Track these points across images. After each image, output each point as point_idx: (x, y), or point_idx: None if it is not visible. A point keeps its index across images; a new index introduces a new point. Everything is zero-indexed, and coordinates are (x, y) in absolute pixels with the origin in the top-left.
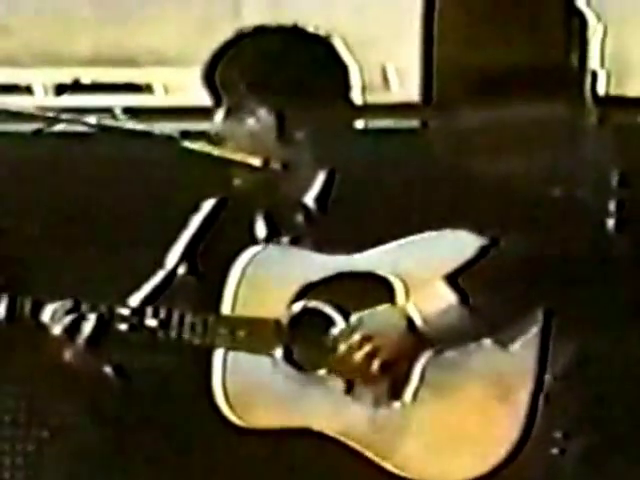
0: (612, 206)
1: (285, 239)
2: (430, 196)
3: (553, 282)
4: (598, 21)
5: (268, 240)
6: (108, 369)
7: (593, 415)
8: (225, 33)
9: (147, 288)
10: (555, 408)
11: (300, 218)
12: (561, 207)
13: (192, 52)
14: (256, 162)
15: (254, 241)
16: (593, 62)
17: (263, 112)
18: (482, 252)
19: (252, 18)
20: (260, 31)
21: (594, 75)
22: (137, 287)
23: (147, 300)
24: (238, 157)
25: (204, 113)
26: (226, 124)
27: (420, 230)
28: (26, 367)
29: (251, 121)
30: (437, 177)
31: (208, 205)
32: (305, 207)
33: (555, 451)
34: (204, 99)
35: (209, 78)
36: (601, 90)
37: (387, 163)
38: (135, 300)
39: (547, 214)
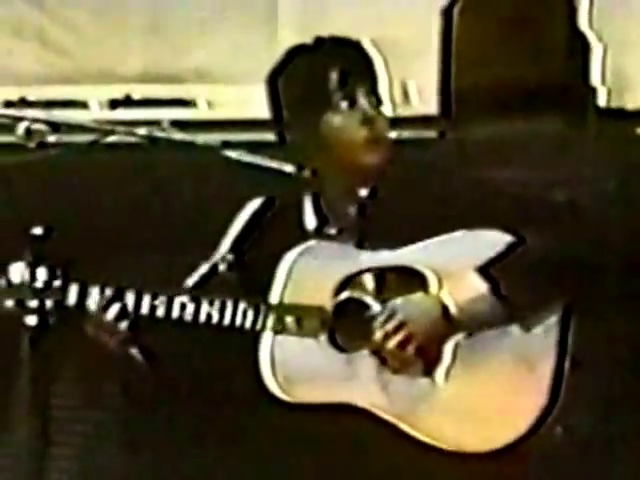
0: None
1: (333, 230)
2: (458, 200)
3: (570, 276)
4: (599, 41)
5: (318, 231)
6: (149, 356)
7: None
8: (261, 54)
9: (199, 277)
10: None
11: (352, 210)
12: (567, 211)
13: (232, 70)
14: (289, 169)
15: (304, 234)
16: (594, 79)
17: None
18: (510, 248)
19: (287, 40)
20: (316, 44)
21: (595, 90)
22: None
23: (200, 287)
24: (274, 164)
25: (244, 125)
26: (336, 119)
27: (452, 229)
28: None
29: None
30: (463, 183)
31: (255, 204)
32: (357, 200)
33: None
34: (243, 113)
35: (272, 90)
36: (602, 104)
37: (416, 170)
38: (189, 288)
39: (559, 216)
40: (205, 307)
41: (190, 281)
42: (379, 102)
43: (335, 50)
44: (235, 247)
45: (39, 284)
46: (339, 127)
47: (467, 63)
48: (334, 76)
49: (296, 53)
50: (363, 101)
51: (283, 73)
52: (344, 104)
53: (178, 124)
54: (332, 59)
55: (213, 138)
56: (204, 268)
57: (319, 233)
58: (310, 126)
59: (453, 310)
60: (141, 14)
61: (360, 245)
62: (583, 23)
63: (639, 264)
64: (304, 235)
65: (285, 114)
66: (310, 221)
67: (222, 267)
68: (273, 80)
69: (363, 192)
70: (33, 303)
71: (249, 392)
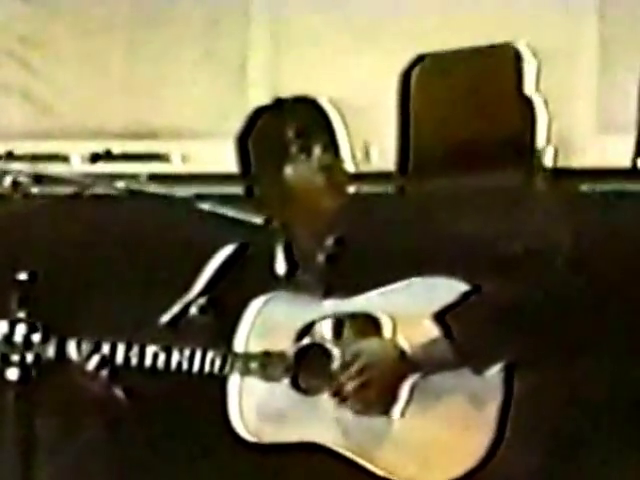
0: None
1: (303, 276)
2: (418, 249)
3: (518, 323)
4: (545, 106)
5: (288, 277)
6: (128, 393)
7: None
8: (231, 112)
9: (172, 317)
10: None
11: (320, 257)
12: (521, 260)
13: (204, 127)
14: (258, 221)
15: (275, 279)
16: (541, 139)
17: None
18: (465, 296)
19: (256, 98)
20: (279, 103)
21: (542, 150)
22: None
23: (173, 326)
24: (244, 216)
25: (216, 179)
26: (295, 169)
27: (409, 276)
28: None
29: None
30: (420, 234)
31: (229, 249)
32: (324, 249)
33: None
34: (216, 167)
35: (241, 148)
36: (549, 162)
37: (379, 223)
38: (162, 334)
39: (510, 266)
40: (176, 356)
41: (165, 318)
42: (337, 153)
43: (297, 108)
44: (207, 290)
45: (19, 339)
46: (299, 176)
47: (424, 123)
48: (292, 130)
49: (261, 112)
50: (319, 151)
51: (251, 131)
52: (302, 156)
53: (155, 177)
54: (294, 116)
55: (187, 191)
56: (177, 308)
57: (289, 279)
58: (275, 179)
59: (409, 353)
60: (120, 75)
61: (327, 291)
62: (530, 88)
63: (584, 311)
64: (275, 280)
65: (253, 169)
66: (281, 267)
67: (194, 310)
68: (242, 139)
69: (330, 241)
70: (15, 357)
71: (217, 433)
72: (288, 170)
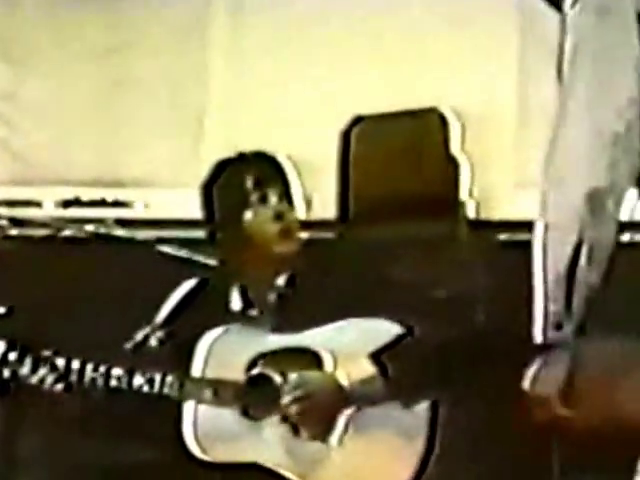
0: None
1: (255, 313)
2: (355, 291)
3: (444, 364)
4: (469, 163)
5: (243, 313)
6: (68, 389)
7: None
8: (188, 164)
9: (134, 345)
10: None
11: (272, 297)
12: (444, 304)
13: (164, 178)
14: (212, 262)
15: (229, 314)
16: (464, 193)
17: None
18: (400, 337)
19: (211, 152)
20: (240, 156)
21: (465, 203)
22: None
23: (136, 352)
24: (197, 258)
25: (176, 224)
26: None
27: (351, 316)
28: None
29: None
30: (357, 278)
31: (189, 284)
32: (275, 289)
33: None
34: (174, 213)
35: (205, 197)
36: (471, 214)
37: (323, 266)
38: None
39: (435, 310)
40: (138, 378)
41: (128, 345)
42: (290, 202)
43: (256, 161)
44: (168, 321)
45: None
46: (256, 223)
47: (362, 177)
48: (250, 181)
49: (225, 164)
50: (275, 200)
51: (215, 181)
52: (259, 204)
53: (120, 222)
54: (253, 168)
55: (149, 234)
56: (139, 336)
57: (243, 314)
58: (235, 224)
59: (346, 387)
60: (90, 130)
61: (276, 327)
62: (455, 148)
63: (505, 352)
64: (230, 315)
65: (216, 215)
66: (236, 304)
67: (153, 340)
68: (206, 188)
69: (281, 281)
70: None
71: (172, 451)
72: (247, 216)
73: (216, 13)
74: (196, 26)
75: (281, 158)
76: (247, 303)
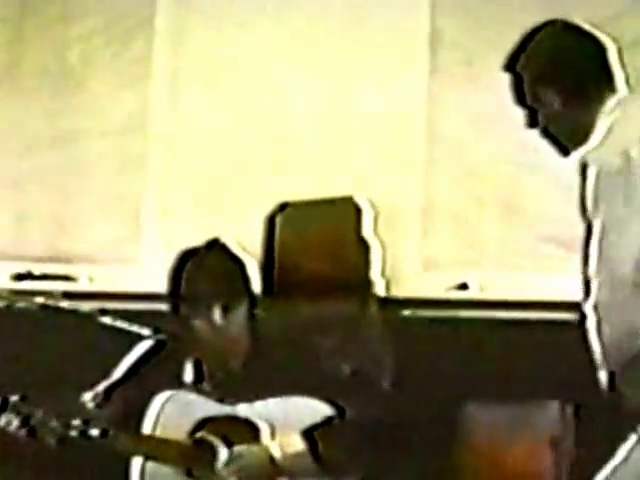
0: (387, 380)
1: (206, 386)
2: (287, 368)
3: (365, 441)
4: (381, 247)
5: (195, 384)
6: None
7: None
8: (128, 242)
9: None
10: None
11: (221, 375)
12: (352, 380)
13: (107, 255)
14: (146, 332)
15: (181, 383)
16: (376, 273)
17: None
18: (330, 418)
19: (148, 231)
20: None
21: (376, 282)
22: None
23: (92, 414)
24: (134, 328)
25: (118, 297)
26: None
27: (285, 393)
28: None
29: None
30: (283, 355)
31: (144, 346)
32: (228, 364)
33: None
34: (115, 286)
35: (175, 280)
36: (381, 292)
37: (262, 344)
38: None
39: (344, 383)
40: (94, 430)
41: (87, 397)
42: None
43: (215, 251)
44: (121, 382)
45: None
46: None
47: (285, 257)
48: (210, 277)
49: (192, 253)
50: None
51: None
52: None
53: (68, 295)
54: (213, 260)
55: (94, 306)
56: (88, 397)
57: (195, 385)
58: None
59: (279, 460)
60: (41, 213)
61: (220, 400)
62: (367, 232)
63: (408, 427)
64: (181, 384)
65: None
66: (188, 376)
67: (91, 404)
68: (177, 270)
69: (234, 363)
70: None
71: None
72: (194, 324)
73: (157, 103)
74: (138, 116)
75: (235, 248)
76: (198, 376)
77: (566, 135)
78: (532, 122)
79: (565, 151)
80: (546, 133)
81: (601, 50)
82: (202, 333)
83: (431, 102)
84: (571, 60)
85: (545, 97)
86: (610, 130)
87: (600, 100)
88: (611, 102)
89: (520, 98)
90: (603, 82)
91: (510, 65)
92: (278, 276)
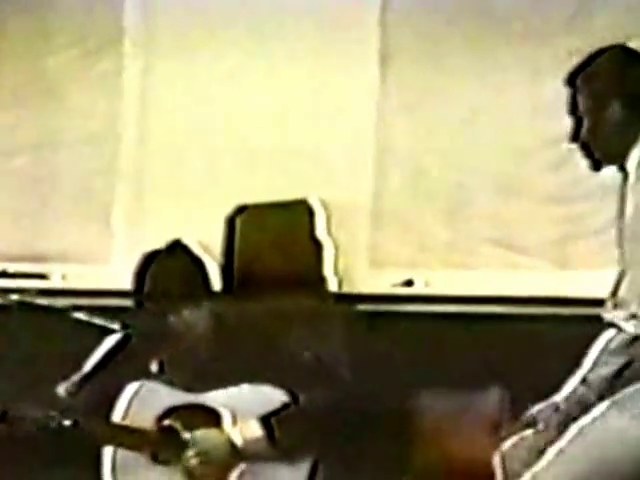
0: (344, 370)
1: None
2: (247, 359)
3: (319, 426)
4: (333, 246)
5: (160, 373)
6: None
7: None
8: (98, 241)
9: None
10: None
11: (188, 364)
12: (311, 367)
13: (79, 253)
14: (116, 327)
15: (148, 374)
16: (329, 271)
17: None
18: (285, 405)
19: (119, 231)
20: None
21: (329, 279)
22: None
23: (66, 404)
24: (104, 323)
25: (89, 294)
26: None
27: (243, 381)
28: None
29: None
30: (245, 346)
31: (112, 340)
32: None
33: None
34: (87, 284)
35: (139, 280)
36: (334, 289)
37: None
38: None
39: (307, 374)
40: (65, 421)
41: (61, 389)
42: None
43: (177, 252)
44: (91, 374)
45: None
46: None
47: (244, 256)
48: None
49: (155, 254)
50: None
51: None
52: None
53: (43, 292)
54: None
55: (65, 302)
56: (61, 389)
57: (160, 375)
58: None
59: (239, 446)
60: (15, 214)
61: (187, 388)
62: (321, 233)
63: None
64: (148, 375)
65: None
66: (154, 367)
67: (64, 395)
68: (141, 272)
69: (200, 355)
70: None
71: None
72: (175, 317)
73: (128, 111)
74: (109, 123)
75: (197, 248)
76: (161, 369)
77: (604, 152)
78: (574, 137)
79: (597, 166)
80: (584, 147)
81: None
82: (174, 328)
83: (381, 108)
84: (628, 81)
85: (596, 112)
86: None
87: None
88: None
89: (573, 110)
90: None
91: (571, 80)
92: (237, 274)
